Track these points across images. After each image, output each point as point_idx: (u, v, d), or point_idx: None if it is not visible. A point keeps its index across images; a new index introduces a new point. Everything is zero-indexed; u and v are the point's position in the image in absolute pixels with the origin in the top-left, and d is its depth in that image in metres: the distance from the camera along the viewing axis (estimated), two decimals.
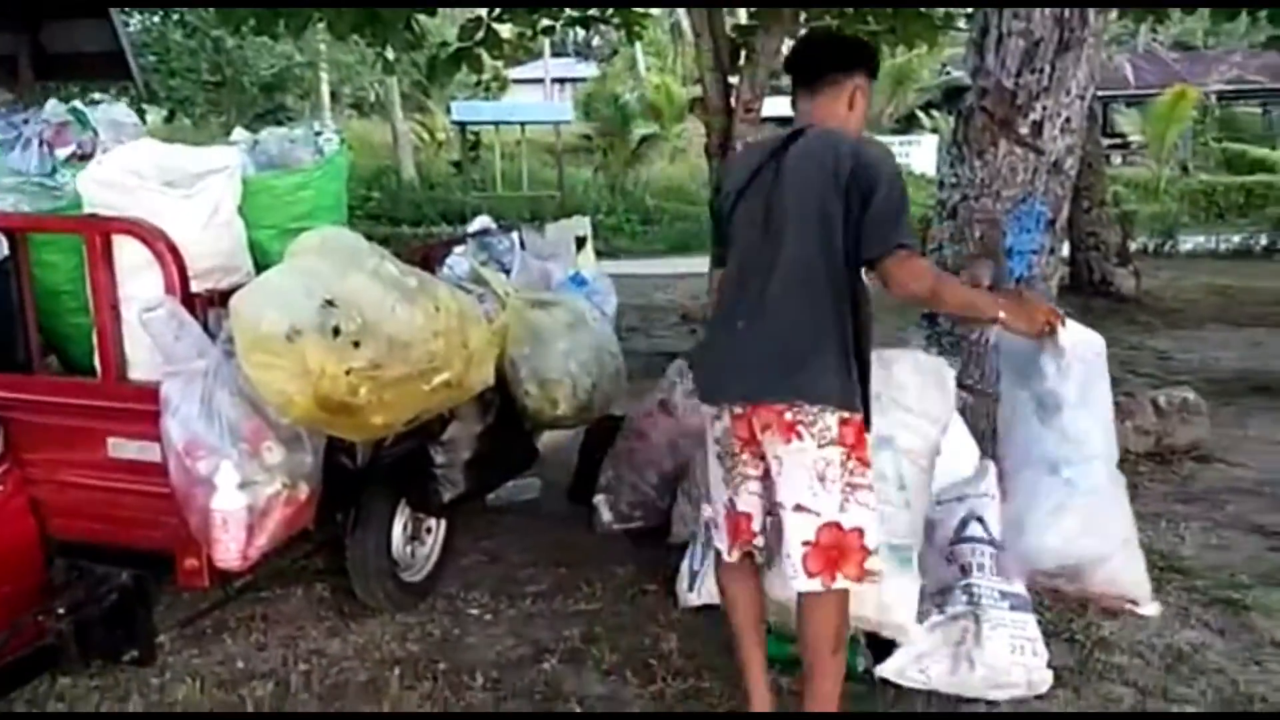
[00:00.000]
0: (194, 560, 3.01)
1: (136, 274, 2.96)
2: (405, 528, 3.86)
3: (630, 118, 23.88)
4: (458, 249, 4.31)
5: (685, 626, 3.64)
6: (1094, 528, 2.80)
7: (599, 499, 4.62)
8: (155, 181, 3.00)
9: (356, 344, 2.69)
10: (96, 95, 14.39)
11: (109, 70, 10.72)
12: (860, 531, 2.61)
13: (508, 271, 4.25)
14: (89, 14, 9.67)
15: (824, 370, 2.58)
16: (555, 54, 30.25)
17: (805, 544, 2.60)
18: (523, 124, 22.83)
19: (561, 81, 32.06)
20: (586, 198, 20.33)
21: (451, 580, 4.10)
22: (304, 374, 2.66)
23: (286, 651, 3.56)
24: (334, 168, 3.46)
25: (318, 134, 3.42)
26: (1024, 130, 3.84)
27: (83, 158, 3.28)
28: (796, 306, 2.60)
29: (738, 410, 2.71)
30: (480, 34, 8.04)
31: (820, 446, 2.57)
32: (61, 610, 3.02)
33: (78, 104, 3.49)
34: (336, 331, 2.68)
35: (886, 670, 3.17)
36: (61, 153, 3.28)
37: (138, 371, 3.05)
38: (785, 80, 2.91)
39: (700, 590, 3.79)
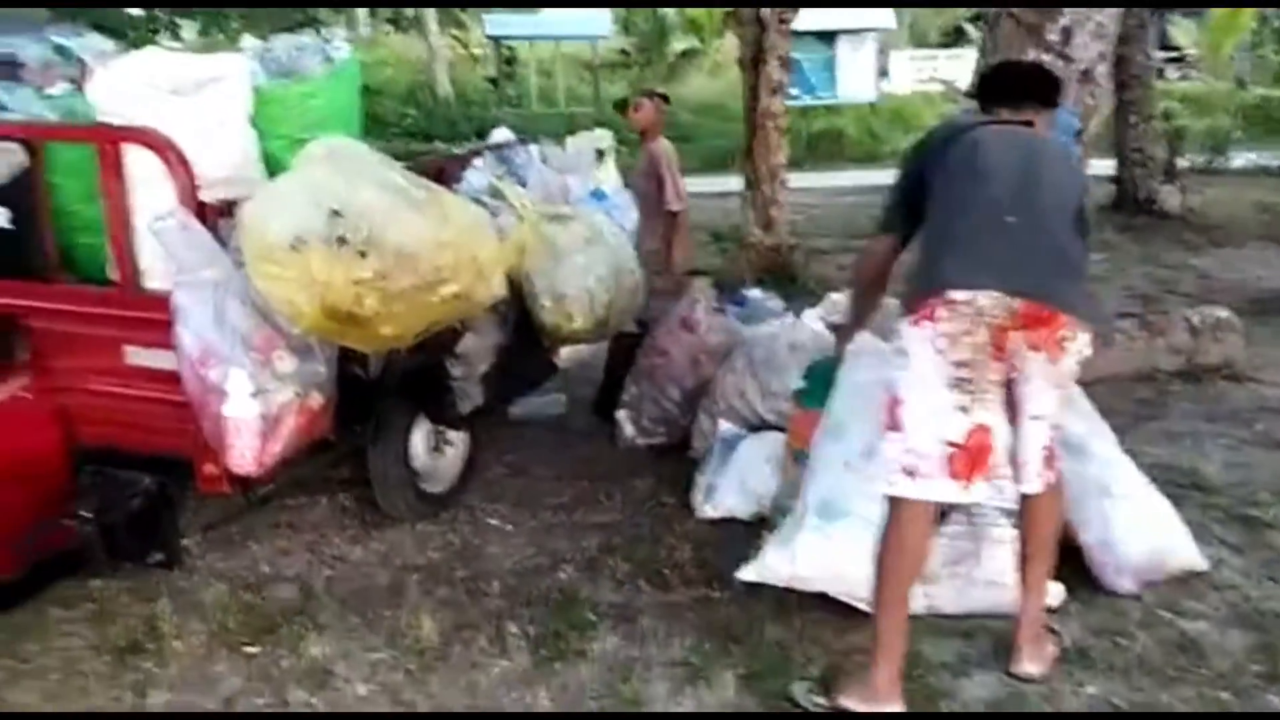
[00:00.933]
0: (213, 466, 3.07)
1: (148, 183, 2.98)
2: (426, 439, 3.92)
3: (668, 31, 23.37)
4: (476, 162, 4.26)
5: (699, 537, 3.69)
6: (1159, 520, 3.33)
7: (622, 414, 4.66)
8: (164, 90, 3.00)
9: (363, 254, 2.70)
10: (132, 11, 14.32)
11: None
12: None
13: (526, 186, 4.20)
14: None
15: (1088, 292, 2.72)
16: None
17: (1044, 448, 2.74)
18: (558, 39, 22.46)
19: None
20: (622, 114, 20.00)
21: (475, 492, 4.16)
22: (310, 284, 2.67)
23: (310, 556, 3.67)
24: (346, 76, 3.42)
25: (327, 42, 3.38)
26: (1053, 36, 3.71)
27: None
28: (1066, 228, 2.69)
29: (1013, 307, 2.54)
30: None
31: (1074, 363, 2.69)
32: (87, 514, 3.11)
33: (58, 39, 3.48)
34: (343, 241, 2.68)
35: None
36: (55, 90, 3.32)
37: (154, 281, 3.08)
38: None
39: (716, 503, 3.83)
